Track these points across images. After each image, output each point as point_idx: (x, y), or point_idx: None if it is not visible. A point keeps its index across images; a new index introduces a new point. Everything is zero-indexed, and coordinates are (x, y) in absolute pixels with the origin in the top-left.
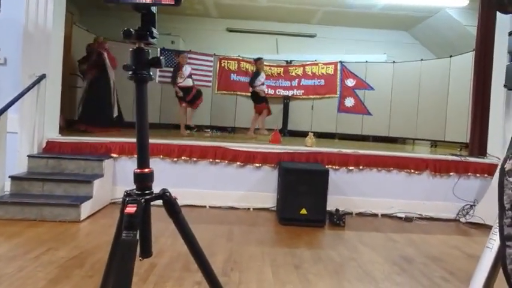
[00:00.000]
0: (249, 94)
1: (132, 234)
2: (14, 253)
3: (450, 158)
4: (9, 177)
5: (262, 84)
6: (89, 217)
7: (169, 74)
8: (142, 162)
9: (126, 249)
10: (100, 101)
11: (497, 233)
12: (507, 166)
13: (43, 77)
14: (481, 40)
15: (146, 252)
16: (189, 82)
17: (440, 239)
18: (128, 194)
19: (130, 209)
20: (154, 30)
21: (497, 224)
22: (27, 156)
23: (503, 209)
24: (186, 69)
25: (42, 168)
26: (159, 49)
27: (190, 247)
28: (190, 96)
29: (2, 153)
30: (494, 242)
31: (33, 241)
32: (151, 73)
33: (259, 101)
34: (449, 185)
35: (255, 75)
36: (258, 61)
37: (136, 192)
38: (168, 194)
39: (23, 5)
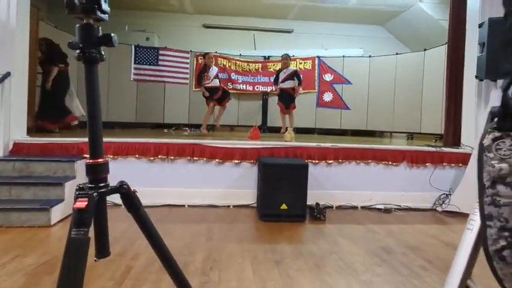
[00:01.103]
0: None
1: (83, 231)
2: None
3: (426, 149)
4: None
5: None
6: (60, 221)
7: (147, 73)
8: (95, 152)
9: (75, 249)
10: (53, 97)
11: (478, 213)
12: (485, 141)
13: (7, 75)
14: (452, 33)
15: (102, 252)
16: (216, 82)
17: (418, 228)
18: (79, 188)
19: (81, 203)
20: (104, 4)
21: (477, 204)
22: None
23: (483, 186)
24: (213, 70)
25: (9, 171)
26: (133, 46)
27: (152, 244)
28: (218, 95)
29: None
30: (474, 222)
31: (2, 248)
32: (102, 52)
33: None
34: (426, 176)
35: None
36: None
37: (89, 185)
38: (125, 186)
39: None
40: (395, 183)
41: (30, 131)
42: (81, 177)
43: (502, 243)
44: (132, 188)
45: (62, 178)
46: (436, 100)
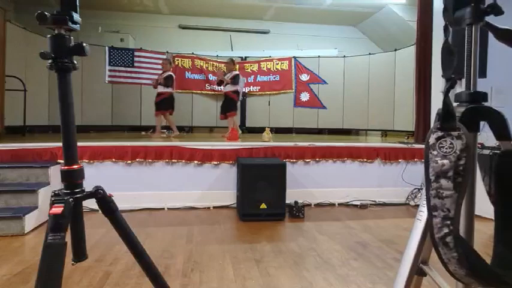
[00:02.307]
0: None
1: (60, 236)
2: None
3: (398, 145)
4: None
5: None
6: (34, 229)
7: (122, 74)
8: (70, 158)
9: (52, 253)
10: None
11: (425, 205)
12: (431, 140)
13: None
14: (420, 34)
15: (79, 255)
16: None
17: (392, 222)
18: (55, 194)
19: (57, 209)
20: (76, 15)
21: (425, 197)
22: None
23: (429, 181)
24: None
25: None
26: (107, 47)
27: (130, 247)
28: (156, 100)
29: None
30: (423, 213)
31: None
32: (74, 62)
33: None
34: (399, 171)
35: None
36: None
37: (65, 191)
38: (101, 191)
39: None
40: (371, 180)
41: (0, 137)
42: (56, 183)
43: (445, 230)
44: (108, 193)
45: (35, 185)
46: (407, 98)
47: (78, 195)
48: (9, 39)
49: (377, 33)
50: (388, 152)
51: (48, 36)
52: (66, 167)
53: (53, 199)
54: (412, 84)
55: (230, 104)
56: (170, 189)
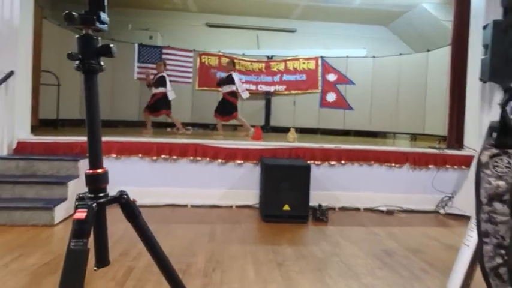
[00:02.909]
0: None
1: (82, 242)
2: None
3: (429, 150)
4: None
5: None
6: (63, 220)
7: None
8: (95, 162)
9: (74, 260)
10: None
11: (475, 230)
12: (483, 158)
13: (11, 74)
14: (456, 34)
15: (102, 261)
16: (153, 90)
17: (420, 230)
18: (79, 198)
19: (80, 214)
20: (103, 15)
21: (475, 220)
22: None
23: (480, 203)
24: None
25: (13, 170)
26: (136, 45)
27: (152, 253)
28: (151, 102)
29: None
30: (471, 238)
31: (1, 248)
32: (101, 63)
33: None
34: (429, 178)
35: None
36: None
37: (89, 195)
38: (125, 196)
39: None
40: (398, 185)
41: (34, 130)
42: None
43: (498, 260)
44: (132, 198)
45: (65, 177)
46: (439, 101)
47: (102, 200)
48: (45, 36)
49: (408, 33)
50: (418, 157)
51: (76, 36)
52: (90, 171)
53: (76, 203)
54: (445, 87)
55: (229, 107)
56: (193, 187)
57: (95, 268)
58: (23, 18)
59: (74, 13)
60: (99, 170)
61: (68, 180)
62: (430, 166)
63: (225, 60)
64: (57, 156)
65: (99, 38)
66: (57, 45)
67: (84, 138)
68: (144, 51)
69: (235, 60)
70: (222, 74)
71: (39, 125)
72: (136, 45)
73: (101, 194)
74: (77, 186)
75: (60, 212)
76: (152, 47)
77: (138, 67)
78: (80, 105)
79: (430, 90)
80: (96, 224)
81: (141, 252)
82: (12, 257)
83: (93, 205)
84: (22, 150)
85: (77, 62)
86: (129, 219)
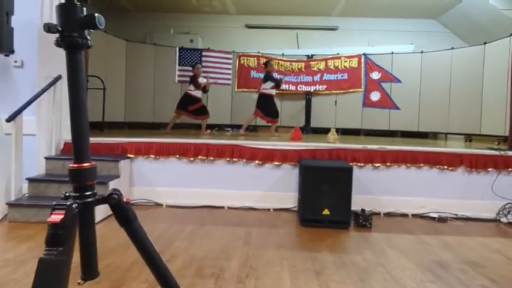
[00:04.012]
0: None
1: (57, 251)
2: (24, 257)
3: (488, 152)
4: (27, 179)
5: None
6: (103, 219)
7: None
8: (80, 154)
9: (46, 272)
10: None
11: None
12: None
13: (58, 78)
14: None
15: (88, 273)
16: (197, 94)
17: (479, 241)
18: (63, 197)
19: (55, 217)
20: None
21: None
22: (45, 158)
23: None
24: (201, 80)
25: (59, 169)
26: (177, 48)
27: (148, 264)
28: (195, 107)
29: (18, 155)
30: None
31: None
32: (87, 36)
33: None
34: (488, 182)
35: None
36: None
37: (73, 194)
38: (116, 196)
39: (38, 8)
40: (452, 190)
41: None
42: (125, 176)
43: None
44: (125, 198)
45: (106, 177)
46: (498, 98)
47: (88, 200)
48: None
49: (461, 26)
50: (474, 159)
51: (55, 5)
52: (75, 165)
53: (54, 203)
54: (505, 82)
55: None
56: (230, 188)
57: (80, 281)
58: None
59: None
60: (86, 164)
61: (109, 180)
62: (489, 169)
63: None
64: (99, 156)
65: (84, 8)
66: (103, 50)
67: (125, 139)
68: (185, 54)
69: (272, 61)
70: (261, 75)
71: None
72: (177, 49)
73: (87, 193)
74: (118, 186)
75: (101, 211)
76: (192, 50)
77: (179, 70)
78: (125, 109)
79: (487, 86)
80: (81, 228)
81: (175, 255)
82: None
83: (73, 206)
84: (69, 150)
85: (57, 35)
86: (122, 223)
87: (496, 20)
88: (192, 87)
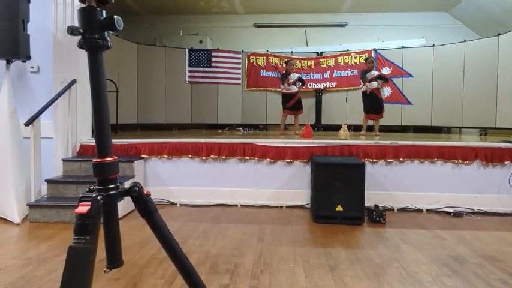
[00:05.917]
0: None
1: (85, 239)
2: (45, 256)
3: (504, 145)
4: (45, 180)
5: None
6: (120, 219)
7: (200, 74)
8: (102, 149)
9: (75, 259)
10: None
11: None
12: None
13: (73, 82)
14: None
15: (114, 262)
16: (293, 89)
17: (496, 235)
18: (89, 190)
19: (82, 208)
20: None
21: None
22: (62, 160)
23: None
24: (293, 76)
25: (76, 171)
26: (187, 49)
27: (170, 255)
28: (290, 104)
29: (37, 157)
30: None
31: (65, 243)
32: (107, 38)
33: None
34: (504, 175)
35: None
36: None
37: (97, 187)
38: (137, 188)
39: (52, 15)
40: (467, 184)
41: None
42: (140, 176)
43: None
44: (146, 191)
45: (121, 177)
46: None
47: (111, 192)
48: None
49: (474, 17)
50: (490, 153)
51: (77, 9)
52: (98, 160)
53: (81, 196)
54: None
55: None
56: (243, 186)
57: (106, 269)
58: None
59: None
60: (108, 159)
61: (124, 181)
62: (506, 162)
63: (273, 59)
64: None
65: (103, 10)
66: (115, 54)
67: (139, 140)
68: (194, 55)
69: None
70: (270, 74)
71: None
72: (186, 50)
73: (111, 186)
74: None
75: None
76: (202, 51)
77: (189, 71)
78: (137, 111)
79: (502, 78)
80: (105, 219)
81: (191, 251)
82: None
83: (98, 198)
84: (85, 152)
85: (79, 37)
86: (143, 215)
87: (510, 10)
88: (282, 86)
